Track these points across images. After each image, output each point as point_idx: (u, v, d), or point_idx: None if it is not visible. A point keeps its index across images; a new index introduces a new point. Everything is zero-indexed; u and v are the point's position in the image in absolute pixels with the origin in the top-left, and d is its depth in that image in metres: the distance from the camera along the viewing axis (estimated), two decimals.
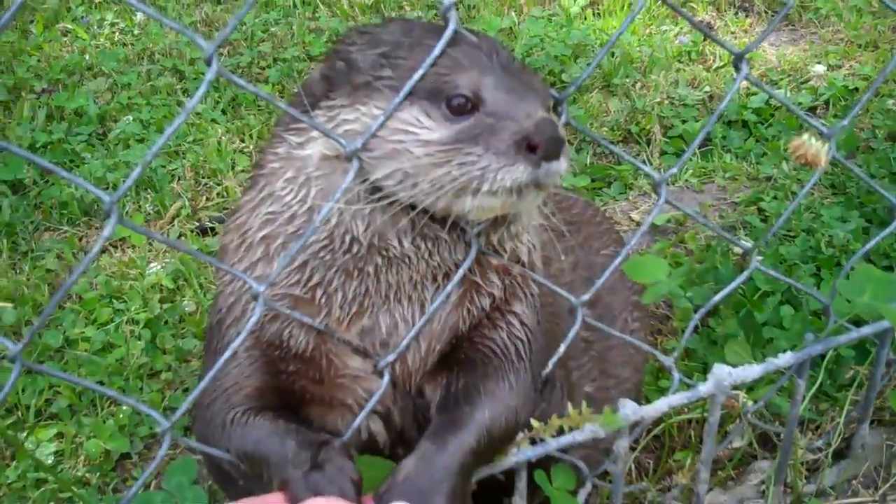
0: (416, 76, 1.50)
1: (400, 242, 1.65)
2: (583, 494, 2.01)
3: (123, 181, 3.61)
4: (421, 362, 1.76)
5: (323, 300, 1.70)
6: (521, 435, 1.78)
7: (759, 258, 1.98)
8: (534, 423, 1.78)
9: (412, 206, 1.57)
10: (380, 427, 1.80)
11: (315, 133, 1.64)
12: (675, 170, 1.85)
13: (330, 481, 1.50)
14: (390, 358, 1.67)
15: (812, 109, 4.09)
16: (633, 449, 2.35)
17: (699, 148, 3.88)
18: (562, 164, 1.52)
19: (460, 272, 1.65)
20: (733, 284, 2.00)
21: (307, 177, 1.66)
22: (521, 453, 1.79)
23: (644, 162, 3.80)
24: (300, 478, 1.52)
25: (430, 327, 1.73)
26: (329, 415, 1.77)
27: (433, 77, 1.54)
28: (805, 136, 1.96)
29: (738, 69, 1.85)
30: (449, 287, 1.66)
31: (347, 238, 1.66)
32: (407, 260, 1.67)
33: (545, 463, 1.93)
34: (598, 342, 2.36)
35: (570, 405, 1.78)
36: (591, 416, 1.78)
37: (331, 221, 1.65)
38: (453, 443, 1.60)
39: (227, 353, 1.52)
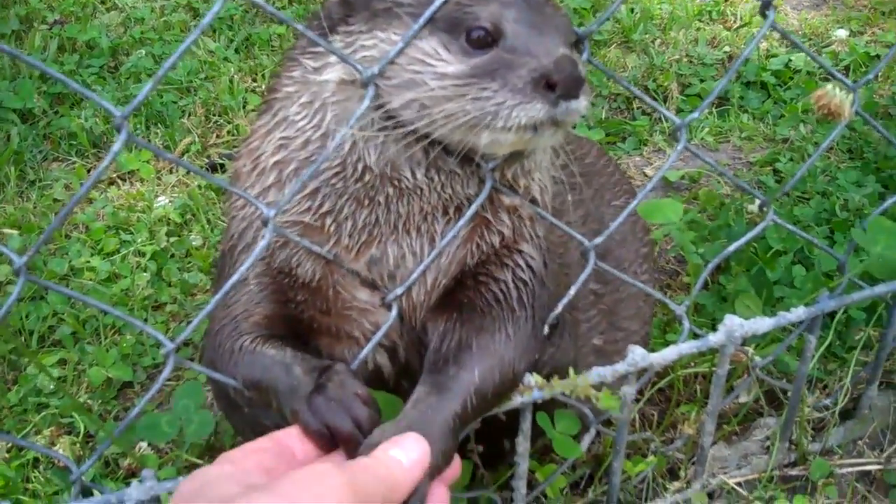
0: (437, 4, 1.47)
1: (412, 173, 1.63)
2: (586, 440, 2.00)
3: (135, 114, 3.60)
4: (426, 296, 1.74)
5: (332, 228, 1.68)
6: (530, 379, 1.76)
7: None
8: (537, 378, 1.76)
9: (426, 137, 1.54)
10: (385, 360, 1.79)
11: (332, 58, 1.61)
12: (696, 114, 1.82)
13: (332, 399, 1.47)
14: (399, 291, 1.65)
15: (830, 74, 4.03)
16: (637, 400, 2.34)
17: (716, 107, 3.84)
18: (581, 103, 1.49)
19: (474, 206, 1.63)
20: (748, 236, 1.98)
21: (323, 102, 1.63)
22: (524, 396, 1.77)
23: (659, 119, 3.76)
24: (304, 403, 1.51)
25: (438, 261, 1.72)
26: (336, 346, 1.76)
27: (454, 6, 1.50)
28: (829, 87, 1.93)
29: (764, 16, 1.81)
30: (462, 221, 1.63)
31: (360, 166, 1.63)
32: (419, 191, 1.65)
33: (549, 407, 1.91)
34: (608, 295, 2.34)
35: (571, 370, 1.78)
36: (589, 388, 1.76)
37: (344, 148, 1.62)
38: (437, 408, 1.57)
39: (236, 277, 1.51)
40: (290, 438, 1.46)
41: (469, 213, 1.63)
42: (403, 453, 1.40)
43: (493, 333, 1.70)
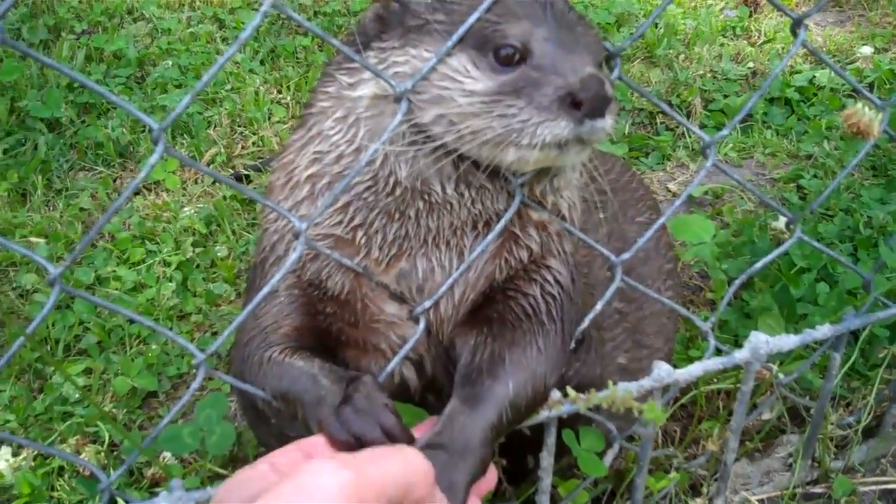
0: (469, 22, 1.48)
1: (442, 188, 1.64)
2: (610, 456, 2.00)
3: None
4: (454, 310, 1.75)
5: (363, 241, 1.69)
6: (556, 395, 1.77)
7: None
8: (571, 392, 1.77)
9: (456, 152, 1.56)
10: (412, 373, 1.79)
11: (366, 74, 1.62)
12: (726, 132, 1.83)
13: (360, 410, 1.48)
14: (427, 304, 1.66)
15: (856, 91, 4.02)
16: None
17: (740, 123, 3.84)
18: (607, 122, 1.50)
19: (503, 221, 1.64)
20: (775, 253, 1.98)
21: (357, 117, 1.65)
22: (551, 410, 1.78)
23: (683, 135, 3.76)
24: (331, 414, 1.51)
25: (466, 276, 1.72)
26: (363, 358, 1.77)
27: (484, 24, 1.52)
28: (859, 106, 1.93)
29: (795, 34, 1.82)
30: (490, 236, 1.64)
31: (391, 180, 1.64)
32: (448, 206, 1.66)
33: (574, 422, 1.91)
34: (632, 313, 2.34)
35: (610, 383, 1.78)
36: (630, 399, 1.76)
37: (376, 163, 1.63)
38: (474, 419, 1.58)
39: (267, 289, 1.52)
40: (316, 447, 1.47)
41: (498, 227, 1.64)
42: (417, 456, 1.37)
43: (524, 347, 1.70)
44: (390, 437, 1.44)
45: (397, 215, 1.67)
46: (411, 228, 1.68)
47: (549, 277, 1.77)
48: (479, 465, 1.53)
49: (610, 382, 1.80)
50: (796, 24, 1.80)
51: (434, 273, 1.70)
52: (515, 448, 1.90)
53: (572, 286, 1.80)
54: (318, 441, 1.48)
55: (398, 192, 1.65)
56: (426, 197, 1.65)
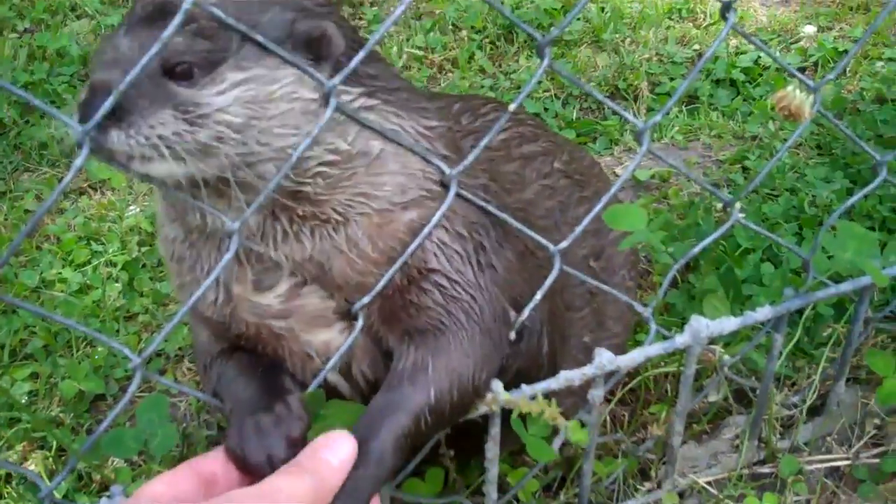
0: None
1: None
2: (557, 442, 2.00)
3: None
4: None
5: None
6: (498, 388, 1.77)
7: (742, 214, 1.95)
8: (506, 396, 1.77)
9: None
10: (339, 379, 1.79)
11: None
12: (658, 118, 1.83)
13: (261, 429, 1.50)
14: (365, 300, 1.64)
15: (801, 70, 4.05)
16: (608, 401, 2.35)
17: (686, 105, 3.86)
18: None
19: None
20: (714, 235, 1.98)
21: None
22: (493, 406, 1.78)
23: None
24: (237, 423, 1.54)
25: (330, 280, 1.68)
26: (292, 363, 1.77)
27: None
28: (790, 88, 1.94)
29: (725, 19, 1.82)
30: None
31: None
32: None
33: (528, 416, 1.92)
34: (599, 294, 2.35)
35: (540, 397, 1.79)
36: (556, 414, 1.77)
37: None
38: (386, 425, 1.58)
39: (175, 320, 1.51)
40: (212, 464, 1.47)
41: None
42: (333, 454, 1.41)
43: (448, 353, 1.68)
44: (272, 465, 1.46)
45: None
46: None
47: (442, 281, 1.71)
48: (388, 474, 1.55)
49: (540, 396, 1.79)
50: (725, 9, 1.80)
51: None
52: (462, 438, 1.90)
53: (479, 278, 1.75)
54: (215, 456, 1.49)
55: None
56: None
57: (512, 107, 1.66)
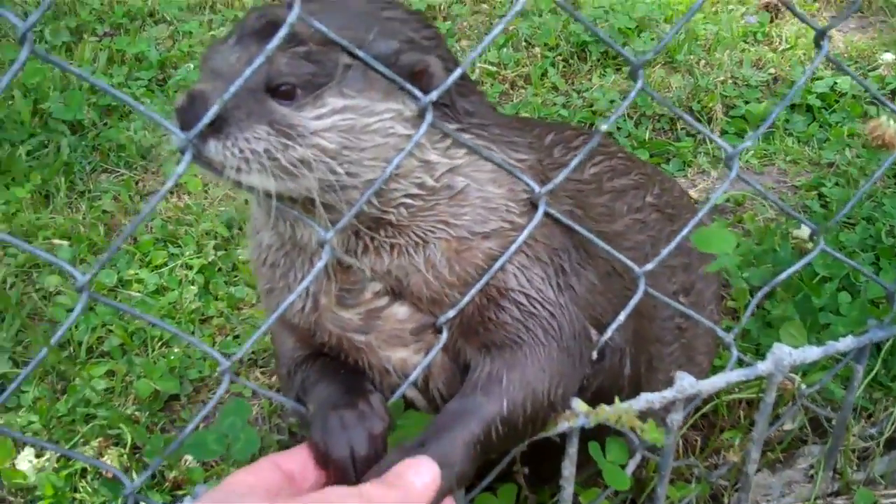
0: None
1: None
2: (632, 465, 1.99)
3: None
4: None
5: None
6: (576, 404, 1.76)
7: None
8: (582, 405, 1.77)
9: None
10: (415, 393, 1.80)
11: None
12: (749, 143, 1.83)
13: (346, 425, 1.53)
14: (451, 314, 1.66)
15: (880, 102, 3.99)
16: (681, 426, 2.34)
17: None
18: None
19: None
20: (798, 265, 1.97)
21: None
22: (572, 421, 1.78)
23: (704, 141, 3.76)
24: (321, 417, 1.56)
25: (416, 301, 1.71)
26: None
27: None
28: (883, 118, 1.93)
29: (819, 46, 1.81)
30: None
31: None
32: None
33: (599, 432, 1.91)
34: (689, 329, 2.34)
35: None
36: (634, 418, 1.76)
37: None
38: (457, 432, 1.58)
39: (266, 325, 1.53)
40: (291, 461, 1.49)
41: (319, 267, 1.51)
42: (418, 477, 1.41)
43: (524, 368, 1.68)
44: (354, 461, 1.50)
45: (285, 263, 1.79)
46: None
47: (521, 299, 1.71)
48: (455, 479, 1.53)
49: (616, 400, 1.79)
50: (819, 36, 1.79)
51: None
52: (538, 456, 1.90)
53: (560, 297, 1.75)
54: (293, 456, 1.51)
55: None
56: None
57: (604, 127, 1.66)
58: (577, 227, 1.71)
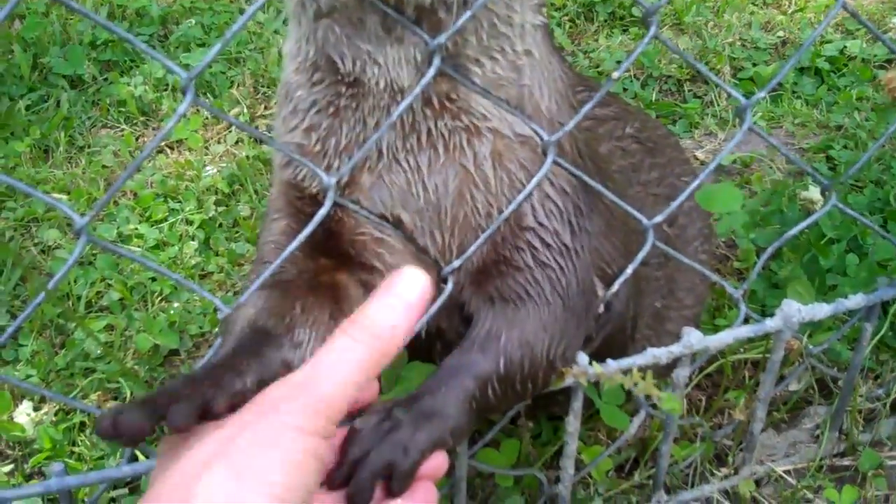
0: None
1: (342, 60, 1.50)
2: (636, 422, 1.97)
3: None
4: (444, 252, 1.65)
5: (317, 147, 1.60)
6: (584, 361, 1.73)
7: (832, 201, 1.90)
8: (597, 367, 1.74)
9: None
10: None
11: None
12: (762, 94, 1.79)
13: None
14: (456, 263, 1.62)
15: (888, 62, 3.96)
16: (686, 385, 2.32)
17: (769, 92, 3.79)
18: None
19: (411, 95, 1.43)
20: (808, 220, 1.94)
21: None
22: (581, 379, 1.75)
23: (711, 102, 3.71)
24: None
25: (443, 220, 1.62)
26: (358, 274, 1.68)
27: None
28: None
29: None
30: (394, 115, 1.45)
31: (308, 64, 1.55)
32: (366, 89, 1.53)
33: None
34: (672, 260, 2.31)
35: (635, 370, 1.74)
36: (652, 386, 1.73)
37: (301, 46, 1.56)
38: (453, 386, 1.54)
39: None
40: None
41: (403, 104, 1.43)
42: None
43: (524, 326, 1.64)
44: None
45: (331, 108, 1.57)
46: (357, 130, 1.57)
47: (536, 242, 1.65)
48: (449, 432, 1.48)
49: (635, 370, 1.75)
50: None
51: (404, 196, 1.61)
52: (541, 408, 1.88)
53: (574, 242, 1.69)
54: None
55: (317, 76, 1.55)
56: (342, 78, 1.54)
57: (615, 75, 1.63)
58: (589, 181, 1.67)
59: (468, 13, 1.37)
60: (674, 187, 2.29)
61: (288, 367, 1.50)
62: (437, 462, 1.42)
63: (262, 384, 1.25)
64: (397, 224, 1.62)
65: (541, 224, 1.65)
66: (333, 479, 1.33)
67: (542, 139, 1.56)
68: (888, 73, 1.89)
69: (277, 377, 1.18)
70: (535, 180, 1.57)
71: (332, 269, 1.64)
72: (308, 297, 1.60)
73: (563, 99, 1.68)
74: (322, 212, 1.43)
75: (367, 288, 1.65)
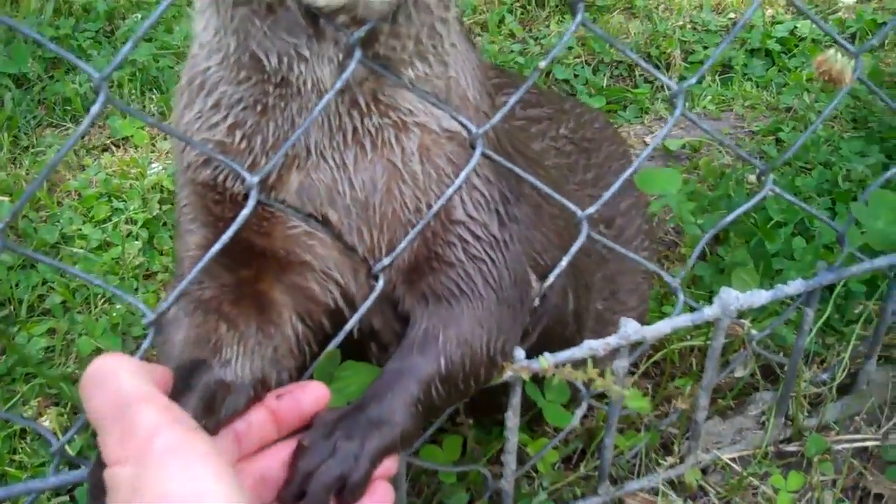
0: None
1: (267, 57, 1.44)
2: (578, 414, 1.96)
3: (129, 80, 3.56)
4: (373, 249, 1.61)
5: (242, 144, 1.53)
6: (521, 356, 1.72)
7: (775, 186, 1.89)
8: (543, 363, 1.72)
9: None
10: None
11: None
12: (693, 80, 1.78)
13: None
14: (386, 261, 1.60)
15: (833, 40, 3.94)
16: (632, 373, 2.31)
17: (719, 75, 3.78)
18: None
19: (333, 91, 1.40)
20: (748, 204, 1.92)
21: None
22: (523, 374, 1.74)
23: (661, 87, 3.70)
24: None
25: (372, 217, 1.58)
26: (288, 274, 1.62)
27: None
28: (831, 52, 1.88)
29: None
30: (316, 110, 1.41)
31: (231, 61, 1.48)
32: (295, 89, 1.47)
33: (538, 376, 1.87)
34: (612, 262, 2.30)
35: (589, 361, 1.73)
36: (611, 384, 1.72)
37: (221, 38, 1.49)
38: (397, 392, 1.53)
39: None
40: None
41: (326, 97, 1.39)
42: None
43: (460, 324, 1.62)
44: None
45: (258, 106, 1.50)
46: (286, 128, 1.50)
47: (466, 235, 1.62)
48: (398, 437, 1.48)
49: (590, 361, 1.73)
50: None
51: (331, 194, 1.55)
52: (482, 406, 1.86)
53: (503, 233, 1.66)
54: None
55: (243, 73, 1.48)
56: (267, 76, 1.47)
57: (542, 64, 1.59)
58: (520, 171, 1.65)
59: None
60: (610, 187, 2.27)
61: (224, 385, 1.47)
62: (388, 464, 1.46)
63: (207, 410, 1.38)
64: (325, 222, 1.59)
65: (470, 217, 1.63)
66: (285, 496, 1.33)
67: (470, 132, 1.55)
68: (818, 56, 1.87)
69: (217, 397, 1.34)
70: (464, 173, 1.55)
71: (252, 280, 1.60)
72: (232, 311, 1.56)
73: (482, 86, 1.67)
74: (245, 212, 1.39)
75: (293, 291, 1.62)
